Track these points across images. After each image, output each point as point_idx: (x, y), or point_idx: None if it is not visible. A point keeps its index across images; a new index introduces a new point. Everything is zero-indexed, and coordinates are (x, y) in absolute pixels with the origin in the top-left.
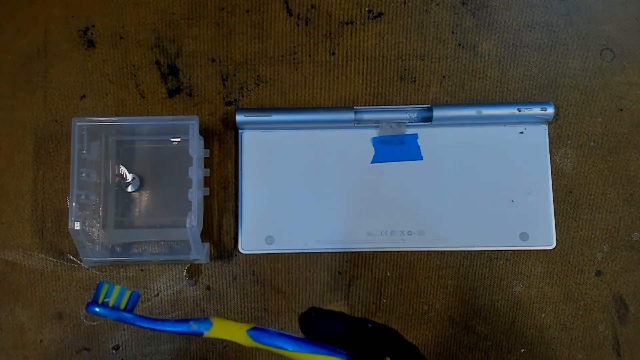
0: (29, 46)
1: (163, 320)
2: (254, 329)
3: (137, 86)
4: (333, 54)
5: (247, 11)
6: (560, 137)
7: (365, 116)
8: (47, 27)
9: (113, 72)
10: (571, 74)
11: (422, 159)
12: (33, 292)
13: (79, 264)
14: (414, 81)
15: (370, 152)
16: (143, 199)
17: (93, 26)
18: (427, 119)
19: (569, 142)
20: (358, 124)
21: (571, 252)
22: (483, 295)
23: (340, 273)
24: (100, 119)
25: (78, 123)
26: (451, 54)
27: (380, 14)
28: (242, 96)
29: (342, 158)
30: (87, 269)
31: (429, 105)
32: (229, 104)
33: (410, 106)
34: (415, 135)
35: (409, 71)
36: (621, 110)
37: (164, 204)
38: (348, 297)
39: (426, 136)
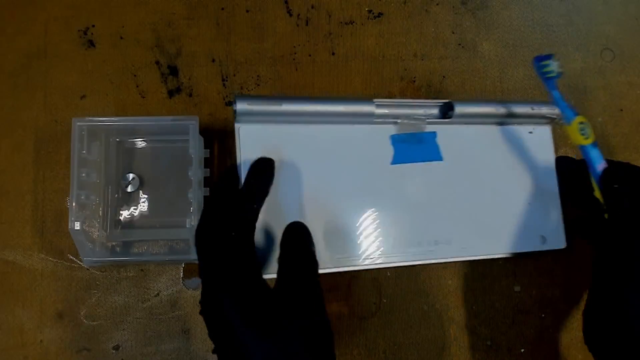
0: (29, 46)
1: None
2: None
3: (137, 86)
4: (333, 54)
5: (247, 11)
6: (561, 137)
7: (386, 110)
8: (47, 27)
9: (113, 72)
10: (571, 74)
11: (442, 160)
12: (33, 292)
13: (79, 264)
14: (414, 81)
15: (389, 151)
16: (143, 199)
17: (93, 26)
18: (446, 116)
19: (569, 141)
20: (377, 118)
21: (572, 251)
22: (483, 295)
23: (340, 273)
24: (100, 119)
25: (78, 123)
26: (451, 54)
27: (380, 14)
28: None
29: (358, 158)
30: (87, 269)
31: (448, 101)
32: (229, 104)
33: (429, 101)
34: (434, 134)
35: (409, 71)
36: (621, 110)
37: (164, 204)
38: (348, 297)
39: (443, 134)
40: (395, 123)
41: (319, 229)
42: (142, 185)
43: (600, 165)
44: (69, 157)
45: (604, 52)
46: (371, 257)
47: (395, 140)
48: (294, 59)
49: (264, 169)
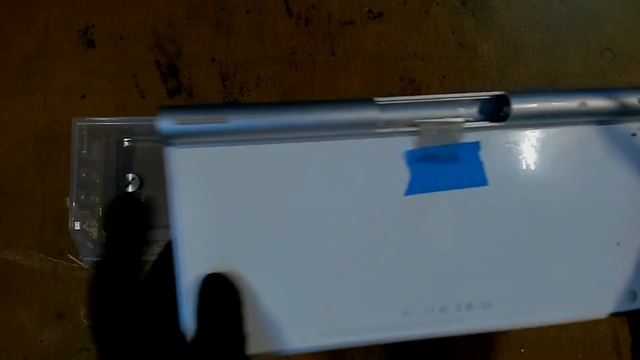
0: (29, 46)
1: None
2: None
3: (137, 86)
4: (333, 54)
5: (247, 11)
6: None
7: (397, 114)
8: (47, 27)
9: (113, 72)
10: (571, 74)
11: (487, 185)
12: (33, 292)
13: (79, 264)
14: (414, 81)
15: (403, 175)
16: (143, 199)
17: (93, 26)
18: (497, 117)
19: None
20: (382, 127)
21: None
22: None
23: None
24: (100, 119)
25: (78, 123)
26: (451, 54)
27: (380, 14)
28: (242, 96)
29: (355, 188)
30: (87, 269)
31: (501, 93)
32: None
33: (469, 94)
34: (476, 145)
35: (409, 71)
36: None
37: (164, 204)
38: None
39: (491, 145)
40: (413, 132)
41: (290, 290)
42: (142, 185)
43: None
44: (69, 157)
45: (604, 52)
46: (368, 330)
47: (413, 158)
48: (294, 59)
49: (221, 299)
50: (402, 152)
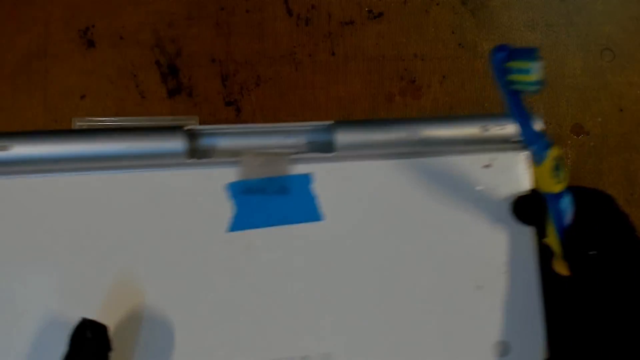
0: (29, 46)
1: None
2: None
3: (137, 86)
4: (333, 54)
5: (247, 11)
6: (560, 137)
7: (210, 142)
8: (47, 27)
9: (113, 72)
10: (571, 74)
11: (321, 220)
12: None
13: None
14: (414, 81)
15: (227, 210)
16: None
17: (93, 26)
18: (327, 148)
19: (568, 142)
20: (198, 157)
21: None
22: None
23: None
24: (100, 119)
25: (78, 123)
26: (451, 54)
27: (380, 14)
28: (242, 96)
29: (166, 224)
30: None
31: (328, 123)
32: (229, 104)
33: (295, 124)
34: (306, 178)
35: (409, 71)
36: (621, 110)
37: None
38: None
39: (327, 178)
40: (235, 162)
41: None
42: None
43: (568, 216)
44: None
45: (604, 52)
46: None
47: (237, 190)
48: (294, 59)
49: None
50: (224, 185)
